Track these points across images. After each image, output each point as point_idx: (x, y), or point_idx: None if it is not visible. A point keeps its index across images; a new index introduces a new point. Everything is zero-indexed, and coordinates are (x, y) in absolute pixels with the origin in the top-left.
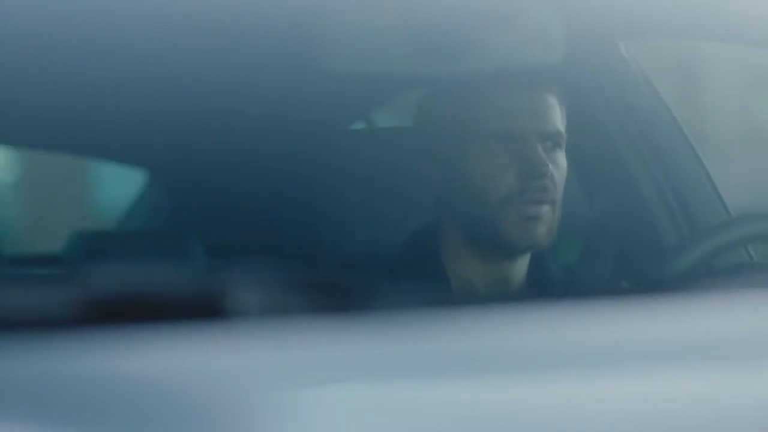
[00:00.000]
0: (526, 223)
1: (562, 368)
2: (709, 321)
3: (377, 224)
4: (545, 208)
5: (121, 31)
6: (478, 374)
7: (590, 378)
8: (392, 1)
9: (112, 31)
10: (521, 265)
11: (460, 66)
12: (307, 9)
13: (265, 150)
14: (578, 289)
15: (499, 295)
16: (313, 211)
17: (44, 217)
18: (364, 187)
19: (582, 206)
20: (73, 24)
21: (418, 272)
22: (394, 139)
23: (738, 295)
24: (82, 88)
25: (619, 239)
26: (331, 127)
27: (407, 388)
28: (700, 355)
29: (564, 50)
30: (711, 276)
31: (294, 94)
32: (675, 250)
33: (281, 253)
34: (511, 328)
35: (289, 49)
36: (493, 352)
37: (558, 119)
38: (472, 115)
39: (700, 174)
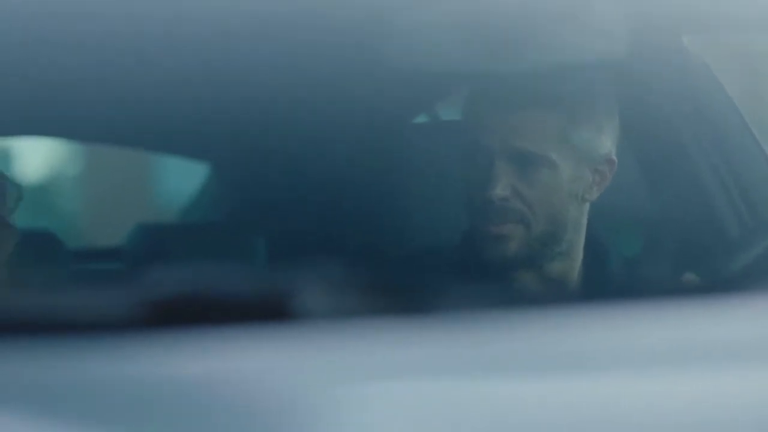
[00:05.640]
0: (491, 241)
1: (624, 367)
2: None
3: (443, 223)
4: (510, 227)
5: (185, 24)
6: (539, 374)
7: (656, 377)
8: None
9: (175, 25)
10: (567, 265)
11: (494, 68)
12: (372, 5)
13: (330, 145)
14: (639, 285)
15: (558, 293)
16: (380, 208)
17: (107, 210)
18: (431, 183)
19: (644, 200)
20: (136, 20)
21: (481, 271)
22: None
23: None
24: (145, 80)
25: (682, 234)
26: (396, 121)
27: (474, 388)
28: (764, 354)
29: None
30: None
31: (359, 90)
32: (739, 245)
33: (347, 252)
34: (568, 327)
35: (354, 45)
36: (553, 353)
37: (542, 139)
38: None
39: (766, 168)
